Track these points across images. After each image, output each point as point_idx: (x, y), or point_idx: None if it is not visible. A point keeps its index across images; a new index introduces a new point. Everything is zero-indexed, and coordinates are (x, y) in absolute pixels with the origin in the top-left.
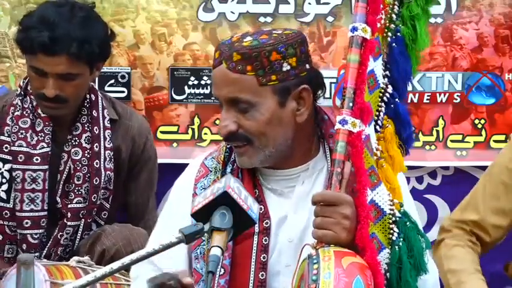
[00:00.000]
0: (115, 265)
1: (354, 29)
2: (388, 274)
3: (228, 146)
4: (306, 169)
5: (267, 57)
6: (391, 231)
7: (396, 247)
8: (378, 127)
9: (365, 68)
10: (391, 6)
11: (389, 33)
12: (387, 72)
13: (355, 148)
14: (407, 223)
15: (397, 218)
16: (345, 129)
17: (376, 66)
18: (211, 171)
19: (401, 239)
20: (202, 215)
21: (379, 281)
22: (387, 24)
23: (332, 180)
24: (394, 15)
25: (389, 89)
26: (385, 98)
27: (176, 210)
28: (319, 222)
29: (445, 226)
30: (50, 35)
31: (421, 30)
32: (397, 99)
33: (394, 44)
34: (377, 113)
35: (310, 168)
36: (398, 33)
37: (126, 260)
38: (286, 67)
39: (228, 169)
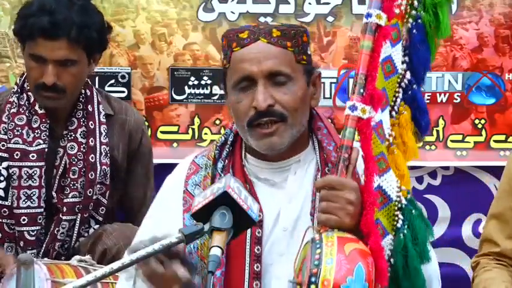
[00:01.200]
0: (115, 265)
1: (369, 15)
2: (392, 260)
3: (218, 145)
4: (297, 161)
5: (301, 37)
6: (396, 218)
7: (401, 234)
8: (393, 113)
9: (377, 55)
10: None
11: (410, 20)
12: (406, 58)
13: (363, 134)
14: (413, 211)
15: (403, 205)
16: (354, 115)
17: (394, 52)
18: (201, 168)
19: (406, 227)
20: (202, 215)
21: (381, 266)
22: (408, 10)
23: (339, 166)
24: (415, 1)
25: (408, 75)
26: (403, 84)
27: (165, 206)
28: (324, 206)
29: (472, 264)
30: (50, 19)
31: (443, 17)
32: (414, 86)
33: (414, 31)
34: (394, 99)
35: (301, 160)
36: (419, 20)
37: (126, 260)
38: (309, 51)
39: (220, 165)
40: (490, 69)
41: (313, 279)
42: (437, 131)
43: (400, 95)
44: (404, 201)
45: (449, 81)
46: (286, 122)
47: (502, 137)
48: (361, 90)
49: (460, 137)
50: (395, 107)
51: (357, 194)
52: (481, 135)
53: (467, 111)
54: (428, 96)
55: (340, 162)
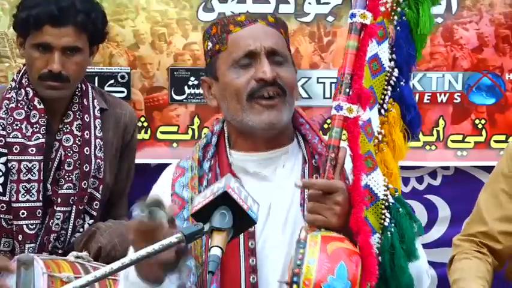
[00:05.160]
0: (115, 265)
1: (353, 15)
2: (379, 258)
3: (201, 147)
4: (286, 152)
5: (287, 31)
6: (383, 216)
7: (388, 233)
8: (382, 111)
9: (363, 54)
10: None
11: (396, 17)
12: (394, 56)
13: (351, 133)
14: (400, 209)
15: (390, 204)
16: (340, 115)
17: (381, 50)
18: (187, 170)
19: (393, 225)
20: (202, 215)
21: (370, 263)
22: (394, 8)
23: (326, 166)
24: None
25: (395, 73)
26: (391, 82)
27: None
28: (311, 206)
29: (455, 242)
30: (56, 6)
31: (423, 13)
32: (402, 83)
33: (398, 28)
34: (382, 97)
35: (289, 152)
36: (404, 17)
37: (126, 260)
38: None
39: (206, 165)
40: (490, 69)
41: (295, 278)
42: (438, 131)
43: (389, 92)
44: (391, 200)
45: (449, 81)
46: (285, 98)
47: (502, 137)
48: (347, 90)
49: (460, 137)
50: (384, 105)
51: (344, 195)
52: (481, 135)
53: (467, 111)
54: (428, 96)
55: (327, 162)
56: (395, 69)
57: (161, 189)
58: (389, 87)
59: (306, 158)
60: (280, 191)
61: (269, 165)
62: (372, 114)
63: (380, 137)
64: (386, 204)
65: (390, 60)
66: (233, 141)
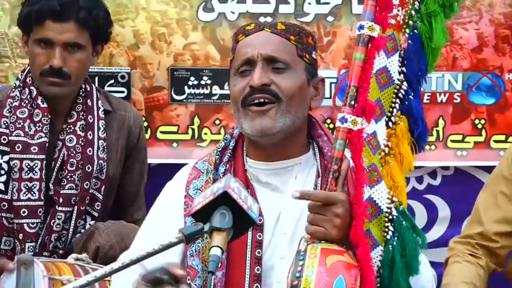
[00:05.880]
0: (115, 265)
1: (361, 27)
2: (381, 271)
3: (218, 150)
4: (299, 163)
5: (306, 37)
6: (387, 229)
7: (390, 246)
8: (390, 123)
9: (369, 66)
10: (411, 2)
11: (407, 30)
12: (403, 69)
13: (354, 146)
14: (403, 223)
15: (394, 217)
16: (344, 127)
17: (390, 62)
18: (203, 173)
19: (396, 238)
20: (202, 215)
21: (368, 276)
22: (406, 21)
23: (328, 178)
24: (413, 12)
25: (404, 86)
26: (400, 95)
27: (166, 210)
28: (312, 218)
29: (450, 245)
30: (58, 2)
31: (436, 27)
32: (411, 96)
33: (410, 41)
34: (390, 109)
35: (303, 163)
36: (415, 30)
37: (126, 260)
38: (313, 55)
39: (222, 169)
40: (490, 69)
41: None
42: (437, 131)
43: (397, 105)
44: (395, 213)
45: (449, 81)
46: (280, 105)
47: (502, 137)
48: (352, 102)
49: (460, 137)
50: (392, 118)
51: (345, 207)
52: (481, 135)
53: (467, 111)
54: (428, 96)
55: (330, 173)
56: (404, 82)
57: (175, 188)
58: (397, 100)
59: (320, 172)
60: (291, 203)
61: (282, 175)
62: (378, 127)
63: (387, 149)
64: (390, 217)
65: (400, 73)
66: (247, 148)
